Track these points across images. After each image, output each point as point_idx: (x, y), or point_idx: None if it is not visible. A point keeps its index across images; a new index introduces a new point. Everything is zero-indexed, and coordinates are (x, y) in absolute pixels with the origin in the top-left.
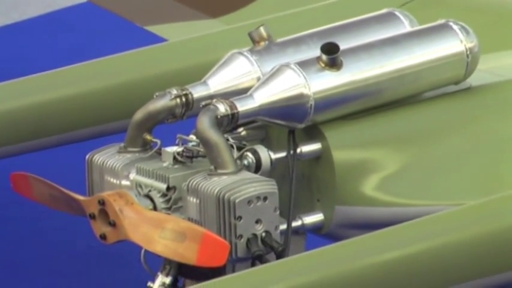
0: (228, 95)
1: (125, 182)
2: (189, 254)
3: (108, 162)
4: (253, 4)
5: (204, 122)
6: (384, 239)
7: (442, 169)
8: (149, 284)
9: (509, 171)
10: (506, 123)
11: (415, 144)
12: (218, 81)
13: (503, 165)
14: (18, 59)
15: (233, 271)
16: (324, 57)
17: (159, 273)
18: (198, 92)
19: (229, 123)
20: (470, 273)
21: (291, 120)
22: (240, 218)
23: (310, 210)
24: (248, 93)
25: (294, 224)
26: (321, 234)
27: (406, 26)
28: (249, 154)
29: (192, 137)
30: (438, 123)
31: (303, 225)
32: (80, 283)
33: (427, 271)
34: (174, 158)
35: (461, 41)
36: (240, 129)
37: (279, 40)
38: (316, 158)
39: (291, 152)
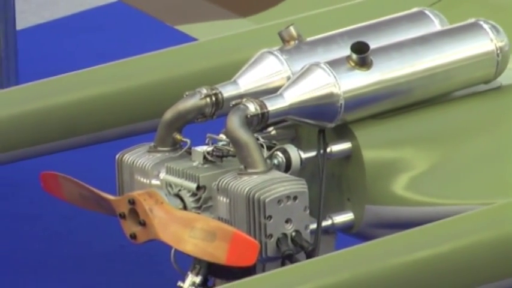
0: (258, 95)
1: (154, 182)
2: (219, 253)
3: (138, 162)
4: (283, 3)
5: (234, 122)
6: (414, 238)
7: (471, 168)
8: (179, 283)
9: None
10: None
11: (445, 143)
12: (248, 81)
13: None
14: (49, 58)
15: (263, 271)
16: (354, 56)
17: (189, 273)
18: (228, 91)
19: (259, 122)
20: (500, 273)
21: (321, 120)
22: (270, 217)
23: (340, 210)
24: (278, 92)
25: (324, 223)
26: (351, 234)
27: (436, 25)
28: (279, 153)
29: (222, 136)
30: (468, 123)
31: (333, 224)
32: (110, 283)
33: (457, 270)
34: (204, 158)
35: (492, 40)
36: (270, 129)
37: (309, 39)
38: (346, 157)
39: (321, 151)
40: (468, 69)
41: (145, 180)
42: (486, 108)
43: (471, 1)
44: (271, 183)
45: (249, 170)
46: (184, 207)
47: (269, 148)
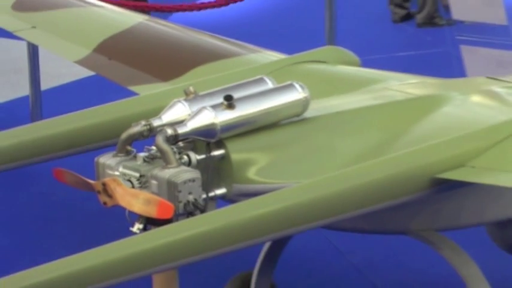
0: (173, 124)
1: (117, 173)
2: (152, 211)
3: (108, 162)
4: (190, 72)
5: (160, 139)
6: (263, 199)
7: (301, 160)
8: (131, 228)
9: (331, 165)
10: (328, 135)
11: (284, 146)
12: (167, 117)
13: (329, 162)
14: None
15: (176, 220)
16: (225, 102)
17: (136, 223)
18: (156, 122)
19: (173, 139)
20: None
21: (208, 137)
22: (180, 191)
23: (219, 187)
24: (184, 122)
25: (210, 194)
26: (226, 200)
27: (270, 85)
28: (185, 156)
29: (153, 147)
30: (293, 133)
31: (215, 195)
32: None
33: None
34: (143, 160)
35: (300, 93)
36: (180, 143)
37: (202, 93)
38: (222, 157)
39: (208, 154)
40: (288, 108)
41: (111, 172)
42: (300, 126)
43: (292, 72)
44: (180, 173)
45: (168, 166)
46: (133, 187)
47: (179, 153)
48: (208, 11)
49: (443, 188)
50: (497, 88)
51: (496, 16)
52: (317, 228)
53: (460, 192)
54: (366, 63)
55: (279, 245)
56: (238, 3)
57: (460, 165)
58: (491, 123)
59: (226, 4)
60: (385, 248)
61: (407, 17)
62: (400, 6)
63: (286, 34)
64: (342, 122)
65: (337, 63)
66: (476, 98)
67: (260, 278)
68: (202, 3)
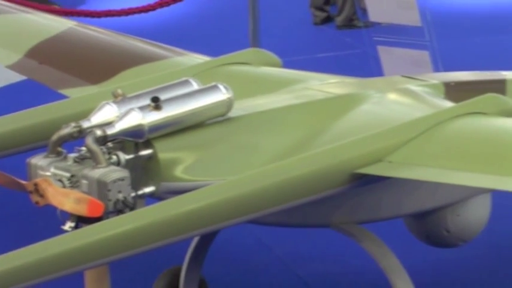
0: (102, 125)
1: (48, 173)
2: (82, 210)
3: (39, 163)
4: (120, 75)
5: (89, 140)
6: (189, 196)
7: (222, 157)
8: (62, 227)
9: (255, 161)
10: (252, 133)
11: (209, 146)
12: (96, 118)
13: (253, 158)
14: None
15: (107, 218)
16: (152, 103)
17: (67, 221)
18: (85, 124)
19: (103, 140)
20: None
21: (136, 138)
22: (109, 190)
23: (148, 185)
24: (112, 124)
25: (139, 192)
26: (154, 198)
27: (195, 86)
28: (114, 156)
29: (83, 148)
30: (218, 132)
31: (143, 193)
32: None
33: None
34: (74, 160)
35: (224, 94)
36: (109, 143)
37: (130, 95)
38: (150, 157)
39: (137, 154)
40: (213, 108)
41: (43, 173)
42: (225, 125)
43: (216, 74)
44: (109, 172)
45: (98, 165)
46: (64, 187)
47: (109, 153)
48: (136, 16)
49: (362, 183)
50: (412, 86)
51: (410, 18)
52: (242, 223)
53: (378, 187)
54: (288, 65)
55: (206, 240)
56: (165, 8)
57: (378, 161)
58: (407, 120)
59: (154, 9)
60: (309, 240)
61: (328, 20)
62: (321, 9)
63: (212, 38)
64: (265, 121)
65: (260, 64)
66: (392, 96)
67: (189, 273)
68: (130, 8)
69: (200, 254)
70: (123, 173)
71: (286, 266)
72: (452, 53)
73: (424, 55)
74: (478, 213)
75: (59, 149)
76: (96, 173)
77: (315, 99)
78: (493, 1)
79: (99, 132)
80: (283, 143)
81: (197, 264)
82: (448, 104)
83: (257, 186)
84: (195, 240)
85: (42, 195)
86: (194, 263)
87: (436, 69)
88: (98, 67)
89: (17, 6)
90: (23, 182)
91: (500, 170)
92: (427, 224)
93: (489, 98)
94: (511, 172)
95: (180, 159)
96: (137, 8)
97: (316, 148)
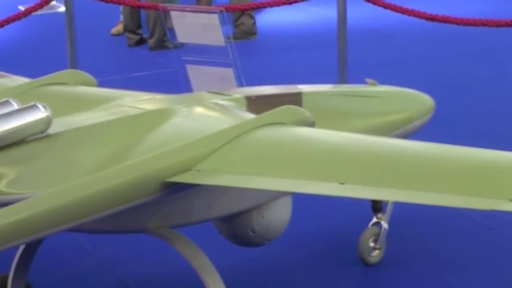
0: None
1: None
2: None
3: None
4: None
5: None
6: (12, 208)
7: (42, 170)
8: None
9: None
10: (70, 148)
11: (30, 161)
12: None
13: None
14: None
15: None
16: None
17: None
18: None
19: None
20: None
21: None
22: None
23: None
24: None
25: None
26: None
27: (15, 106)
28: None
29: None
30: (38, 148)
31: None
32: None
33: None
34: None
35: (43, 112)
36: None
37: None
38: None
39: None
40: (32, 126)
41: None
42: (44, 141)
43: (36, 94)
44: None
45: None
46: None
47: None
48: None
49: (173, 190)
50: (218, 100)
51: (214, 39)
52: (63, 231)
53: (189, 193)
54: (104, 84)
55: (31, 248)
56: None
57: (187, 169)
58: (213, 131)
59: None
60: (128, 245)
61: (141, 42)
62: (134, 32)
63: (32, 61)
64: (82, 136)
65: (77, 84)
66: (200, 110)
67: (16, 279)
68: None
69: (26, 261)
70: None
71: (107, 269)
72: (257, 69)
73: (229, 72)
74: (280, 214)
75: None
76: None
77: (128, 114)
78: (316, 21)
79: None
80: (100, 156)
81: (23, 271)
82: (250, 116)
83: (76, 197)
84: (21, 248)
85: None
86: (20, 269)
87: (240, 85)
88: None
89: None
90: None
91: (296, 173)
92: (235, 226)
93: (286, 109)
94: (306, 175)
95: (2, 174)
96: None
97: (131, 160)
